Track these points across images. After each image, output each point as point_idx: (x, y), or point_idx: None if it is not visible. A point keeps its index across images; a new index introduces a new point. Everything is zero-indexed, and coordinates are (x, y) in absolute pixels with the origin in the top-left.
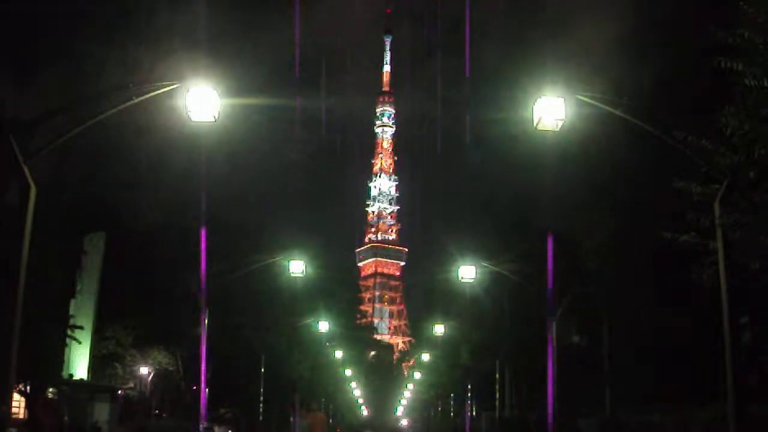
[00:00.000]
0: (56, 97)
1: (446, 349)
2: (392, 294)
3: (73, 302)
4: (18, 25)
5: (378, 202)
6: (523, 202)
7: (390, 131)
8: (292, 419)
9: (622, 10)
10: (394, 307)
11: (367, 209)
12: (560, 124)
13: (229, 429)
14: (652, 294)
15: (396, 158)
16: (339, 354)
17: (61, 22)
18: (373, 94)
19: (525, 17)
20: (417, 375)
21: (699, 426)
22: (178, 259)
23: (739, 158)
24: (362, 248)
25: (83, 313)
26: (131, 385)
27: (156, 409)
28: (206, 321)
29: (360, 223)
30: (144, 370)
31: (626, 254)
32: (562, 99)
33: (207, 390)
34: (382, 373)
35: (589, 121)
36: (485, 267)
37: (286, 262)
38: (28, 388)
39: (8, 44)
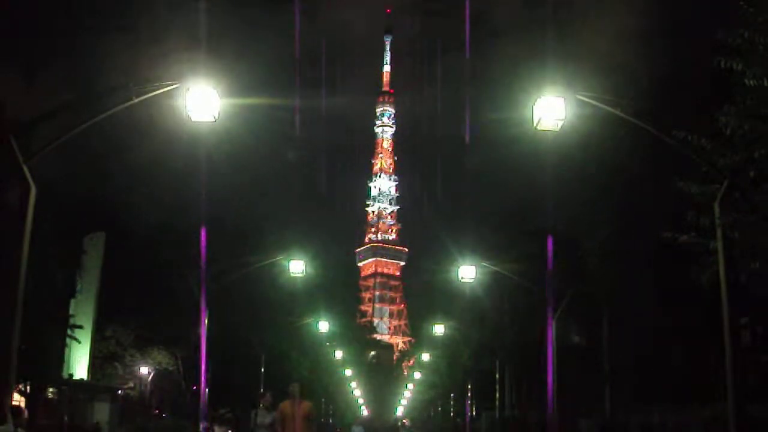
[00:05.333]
0: (56, 96)
1: (446, 349)
2: (392, 294)
3: (73, 302)
4: (20, 24)
5: (378, 202)
6: (523, 202)
7: (390, 131)
8: (253, 414)
9: (623, 11)
10: (394, 307)
11: (367, 209)
12: (560, 124)
13: (229, 429)
14: (652, 294)
15: (396, 158)
16: (339, 354)
17: (61, 23)
18: (373, 94)
19: (526, 16)
20: (417, 375)
21: (699, 426)
22: (178, 259)
23: (739, 158)
24: (362, 248)
25: (83, 313)
26: (131, 385)
27: (156, 409)
28: (206, 321)
29: (360, 223)
30: (144, 370)
31: (626, 254)
32: (563, 99)
33: (207, 390)
34: (382, 373)
35: (589, 121)
36: (485, 267)
37: (286, 262)
38: (28, 388)
39: (10, 43)
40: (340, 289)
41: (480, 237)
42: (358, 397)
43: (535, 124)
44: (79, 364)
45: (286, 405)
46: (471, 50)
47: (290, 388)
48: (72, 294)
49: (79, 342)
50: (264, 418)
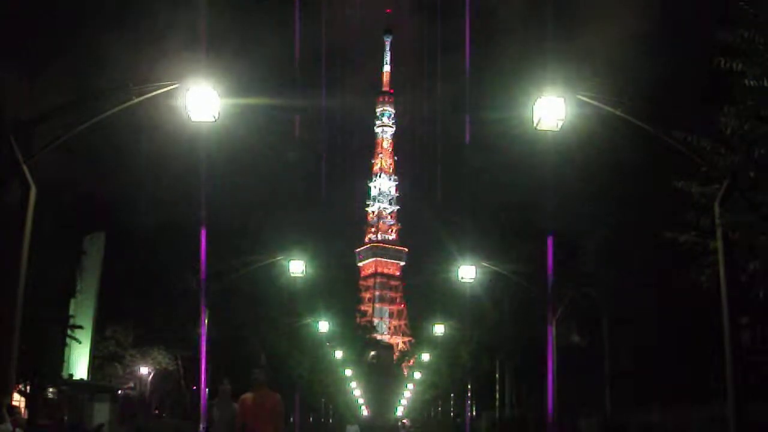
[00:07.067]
0: (57, 96)
1: (446, 349)
2: (392, 294)
3: (73, 302)
4: (20, 23)
5: (378, 202)
6: (522, 202)
7: (390, 131)
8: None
9: (623, 11)
10: (394, 307)
11: (367, 209)
12: (560, 124)
13: None
14: (652, 294)
15: (396, 158)
16: (339, 354)
17: (61, 22)
18: (373, 94)
19: (526, 16)
20: (417, 375)
21: (699, 426)
22: (178, 259)
23: (739, 158)
24: (362, 248)
25: (83, 313)
26: (131, 385)
27: (156, 409)
28: (206, 321)
29: (360, 223)
30: (144, 370)
31: (626, 254)
32: (563, 99)
33: (207, 390)
34: (382, 373)
35: (590, 121)
36: (485, 267)
37: (286, 262)
38: (28, 388)
39: (10, 43)
40: (340, 289)
41: (480, 237)
42: (358, 397)
43: (535, 124)
44: (79, 364)
45: (248, 398)
46: (471, 50)
47: (253, 375)
48: (72, 294)
49: (79, 342)
50: (223, 412)
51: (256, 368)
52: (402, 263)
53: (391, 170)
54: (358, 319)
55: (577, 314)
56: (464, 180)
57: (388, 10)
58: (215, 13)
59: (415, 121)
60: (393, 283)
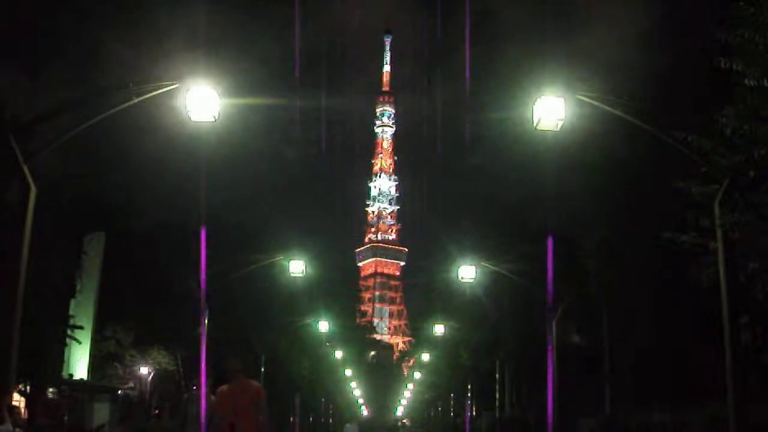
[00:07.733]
0: (57, 96)
1: (446, 349)
2: (392, 294)
3: (73, 302)
4: (21, 23)
5: (378, 202)
6: (523, 202)
7: (390, 131)
8: (185, 398)
9: (623, 11)
10: (394, 307)
11: (367, 209)
12: (560, 124)
13: None
14: (652, 294)
15: (396, 158)
16: (339, 354)
17: (62, 22)
18: (373, 94)
19: (526, 17)
20: (417, 375)
21: (699, 426)
22: (178, 259)
23: (739, 158)
24: (362, 248)
25: (83, 313)
26: (131, 385)
27: (156, 409)
28: (206, 321)
29: (360, 223)
30: (144, 370)
31: (626, 254)
32: (563, 99)
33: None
34: (382, 373)
35: (590, 121)
36: (485, 267)
37: (286, 262)
38: (28, 388)
39: (11, 42)
40: (340, 289)
41: (480, 237)
42: (358, 397)
43: (535, 124)
44: (79, 364)
45: (224, 390)
46: (471, 50)
47: (227, 364)
48: (72, 294)
49: (79, 342)
50: (200, 407)
51: (230, 356)
52: (402, 263)
53: (391, 170)
54: (358, 319)
55: (577, 314)
56: (464, 180)
57: (387, 11)
58: (215, 12)
59: (415, 121)
60: (393, 283)
